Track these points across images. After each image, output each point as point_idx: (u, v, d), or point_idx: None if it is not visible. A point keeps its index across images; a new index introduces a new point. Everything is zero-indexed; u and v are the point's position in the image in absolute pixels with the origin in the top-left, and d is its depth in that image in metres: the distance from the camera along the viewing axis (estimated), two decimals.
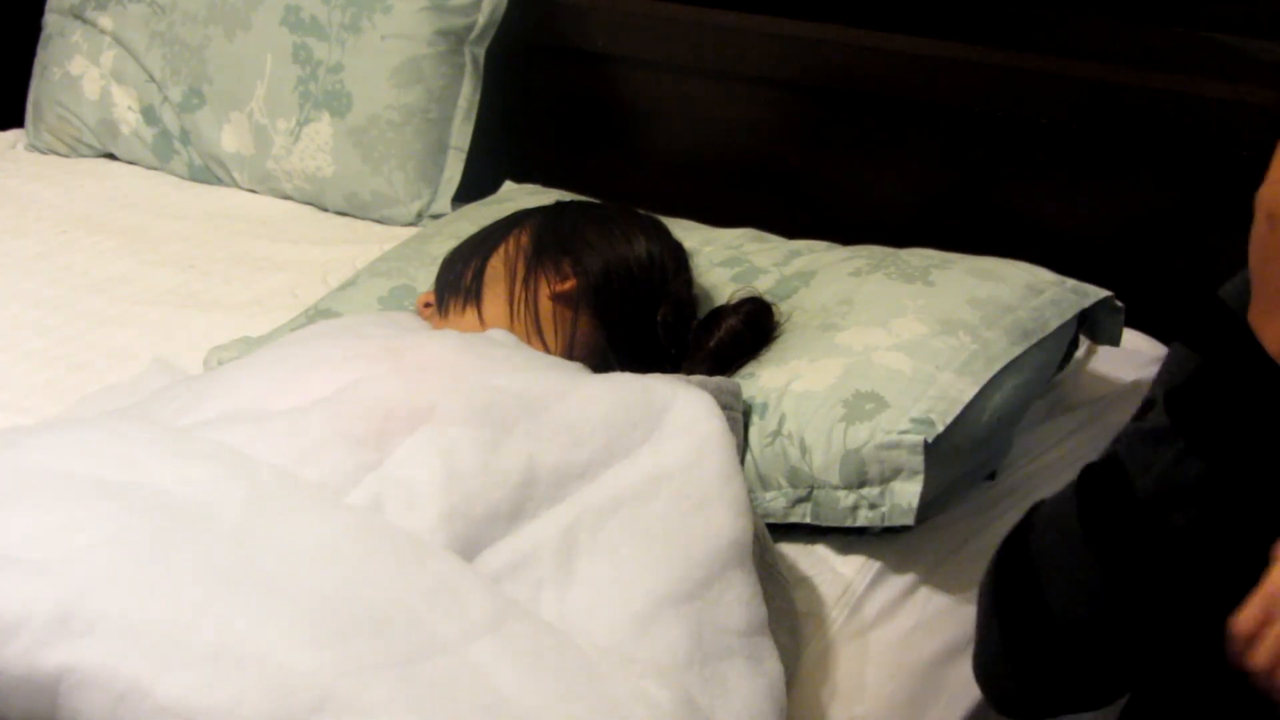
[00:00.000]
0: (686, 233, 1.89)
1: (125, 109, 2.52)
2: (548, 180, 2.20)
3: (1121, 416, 1.90)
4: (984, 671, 1.28)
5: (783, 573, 1.51)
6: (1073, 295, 1.80)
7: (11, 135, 2.68)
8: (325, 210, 2.41)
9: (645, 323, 1.72)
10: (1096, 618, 1.18)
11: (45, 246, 2.24)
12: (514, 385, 1.47)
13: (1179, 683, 1.26)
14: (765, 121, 2.32)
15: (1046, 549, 1.21)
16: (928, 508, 1.58)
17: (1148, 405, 1.21)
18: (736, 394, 1.62)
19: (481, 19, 2.36)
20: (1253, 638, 1.08)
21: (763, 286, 1.82)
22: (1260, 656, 1.07)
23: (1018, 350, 1.68)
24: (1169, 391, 1.17)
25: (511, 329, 1.68)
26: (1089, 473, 1.21)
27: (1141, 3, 2.14)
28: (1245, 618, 1.08)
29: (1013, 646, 1.23)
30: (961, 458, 1.63)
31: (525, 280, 1.70)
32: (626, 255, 1.73)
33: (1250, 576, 1.09)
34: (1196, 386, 1.15)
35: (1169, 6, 2.13)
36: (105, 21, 2.53)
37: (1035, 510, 1.26)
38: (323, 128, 2.36)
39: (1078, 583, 1.18)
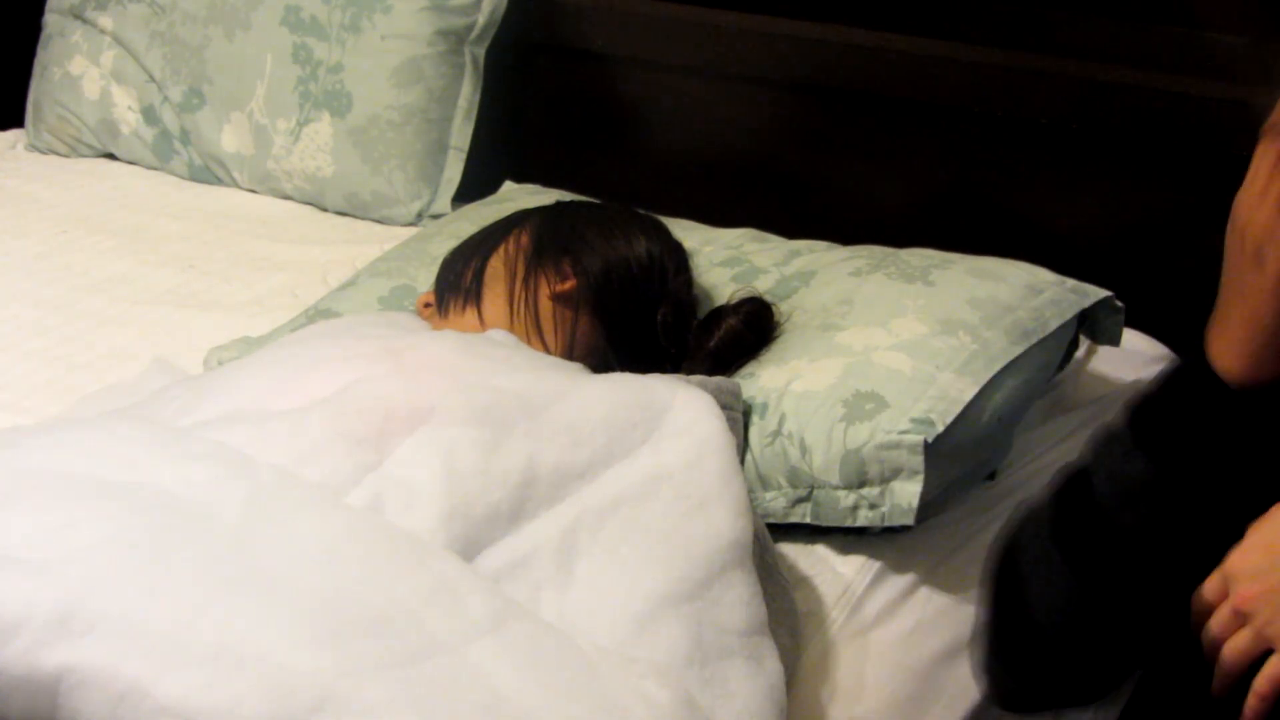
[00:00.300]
0: (686, 233, 1.89)
1: (125, 109, 2.52)
2: (548, 180, 2.20)
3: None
4: (979, 666, 1.30)
5: (783, 573, 1.51)
6: (1073, 295, 1.80)
7: (11, 135, 2.68)
8: (325, 210, 2.41)
9: (645, 323, 1.72)
10: (1069, 616, 1.19)
11: (45, 246, 2.24)
12: (514, 385, 1.47)
13: (1176, 680, 1.27)
14: (765, 121, 2.32)
15: (1025, 548, 1.23)
16: (928, 508, 1.58)
17: None
18: (736, 394, 1.62)
19: (481, 19, 2.36)
20: (1208, 611, 1.09)
21: (763, 286, 1.82)
22: (1210, 631, 1.09)
23: (1018, 350, 1.68)
24: (1135, 395, 1.19)
25: (511, 329, 1.68)
26: (1062, 474, 1.23)
27: (1141, 3, 2.14)
28: (1205, 591, 1.09)
29: (999, 642, 1.25)
30: (961, 458, 1.63)
31: (525, 280, 1.70)
32: (626, 255, 1.73)
33: (1202, 574, 1.11)
34: (1156, 390, 1.17)
35: (1169, 6, 2.13)
36: (105, 21, 2.53)
37: (1019, 509, 1.27)
38: (323, 128, 2.36)
39: (1050, 581, 1.20)
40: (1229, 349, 1.12)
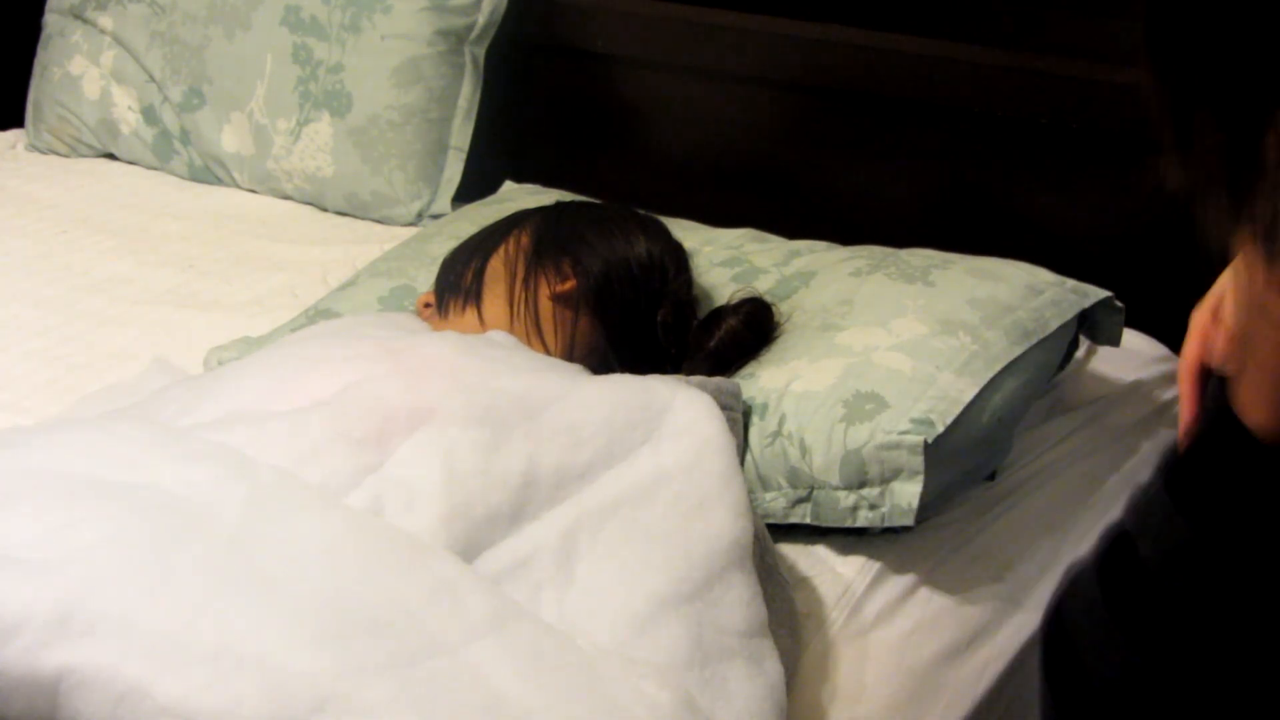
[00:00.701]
0: (686, 233, 1.89)
1: (125, 109, 2.52)
2: (548, 180, 2.20)
3: (1121, 417, 1.91)
4: None
5: (783, 574, 1.51)
6: (1073, 295, 1.80)
7: (11, 135, 2.68)
8: (325, 210, 2.41)
9: (645, 323, 1.72)
10: (1128, 682, 1.17)
11: (45, 246, 2.24)
12: (514, 387, 1.47)
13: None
14: (765, 121, 2.32)
15: (1075, 616, 1.20)
16: (927, 508, 1.58)
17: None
18: (736, 395, 1.62)
19: (481, 19, 2.36)
20: None
21: (763, 286, 1.82)
22: None
23: (1018, 350, 1.68)
24: (1164, 454, 1.16)
25: (511, 329, 1.68)
26: (1105, 539, 1.20)
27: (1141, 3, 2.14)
28: None
29: (1057, 712, 1.22)
30: (961, 458, 1.63)
31: (525, 280, 1.70)
32: (626, 255, 1.73)
33: (1264, 628, 1.08)
34: (1188, 447, 1.14)
35: None
36: (105, 21, 2.53)
37: (1065, 575, 1.25)
38: (323, 128, 2.36)
39: (1105, 648, 1.17)
40: (1254, 401, 1.08)
